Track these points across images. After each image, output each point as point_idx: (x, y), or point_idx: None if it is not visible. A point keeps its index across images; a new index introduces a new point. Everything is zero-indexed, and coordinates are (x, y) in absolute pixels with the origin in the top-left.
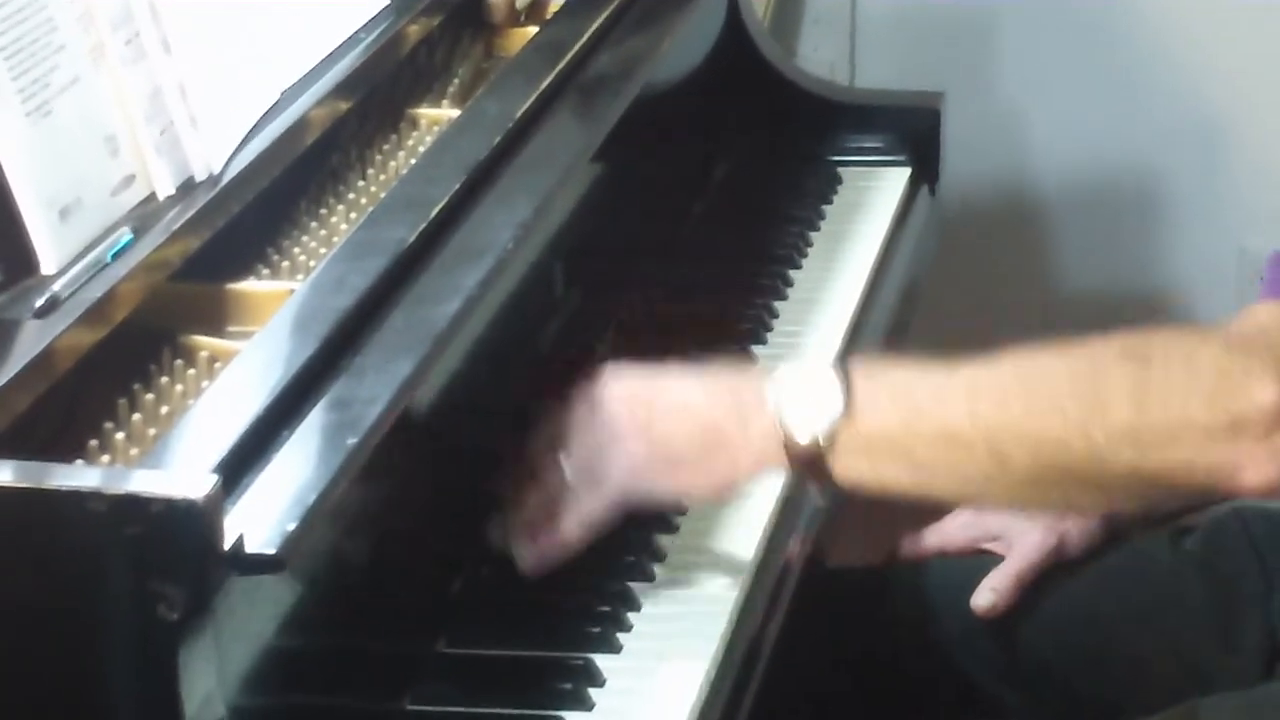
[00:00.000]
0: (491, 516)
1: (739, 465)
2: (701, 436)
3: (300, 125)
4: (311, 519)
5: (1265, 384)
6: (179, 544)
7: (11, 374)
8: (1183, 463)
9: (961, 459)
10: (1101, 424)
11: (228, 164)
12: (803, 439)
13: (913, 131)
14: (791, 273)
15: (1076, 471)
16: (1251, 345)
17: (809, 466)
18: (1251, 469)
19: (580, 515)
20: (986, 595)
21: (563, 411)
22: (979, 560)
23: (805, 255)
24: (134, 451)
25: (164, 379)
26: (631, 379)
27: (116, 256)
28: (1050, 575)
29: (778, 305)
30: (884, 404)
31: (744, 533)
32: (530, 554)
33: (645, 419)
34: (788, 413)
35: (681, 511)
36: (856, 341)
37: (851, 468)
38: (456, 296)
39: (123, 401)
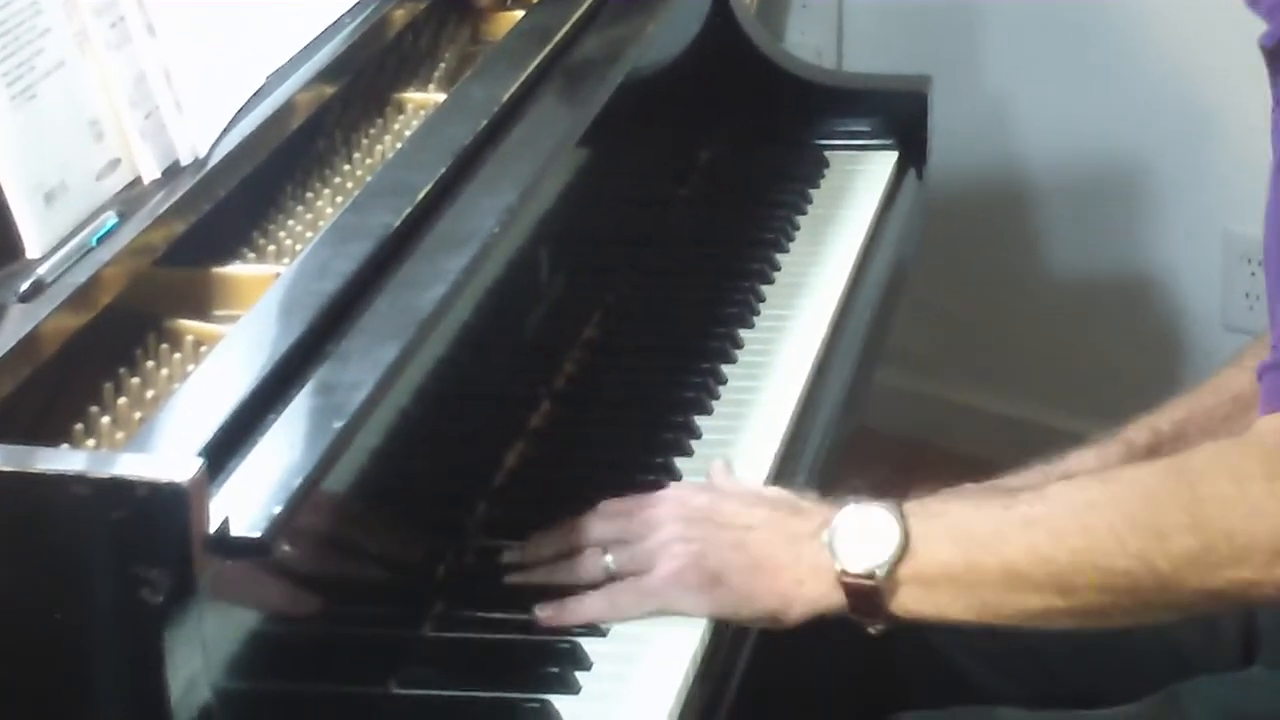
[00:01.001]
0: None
1: (787, 601)
2: (751, 570)
3: (286, 109)
4: (297, 503)
5: None
6: (164, 527)
7: None
8: (1249, 582)
9: (1026, 594)
10: (1164, 553)
11: (213, 148)
12: (858, 573)
13: (900, 115)
14: (778, 256)
15: (1143, 598)
16: None
17: (865, 602)
18: None
19: (615, 607)
20: None
21: (616, 509)
22: None
23: (792, 239)
24: (119, 435)
25: (149, 363)
26: (692, 498)
27: (102, 240)
28: None
29: (764, 289)
30: (943, 541)
31: None
32: (552, 614)
33: (699, 544)
34: (842, 549)
35: None
36: (842, 326)
37: (910, 602)
38: (442, 282)
39: (108, 385)
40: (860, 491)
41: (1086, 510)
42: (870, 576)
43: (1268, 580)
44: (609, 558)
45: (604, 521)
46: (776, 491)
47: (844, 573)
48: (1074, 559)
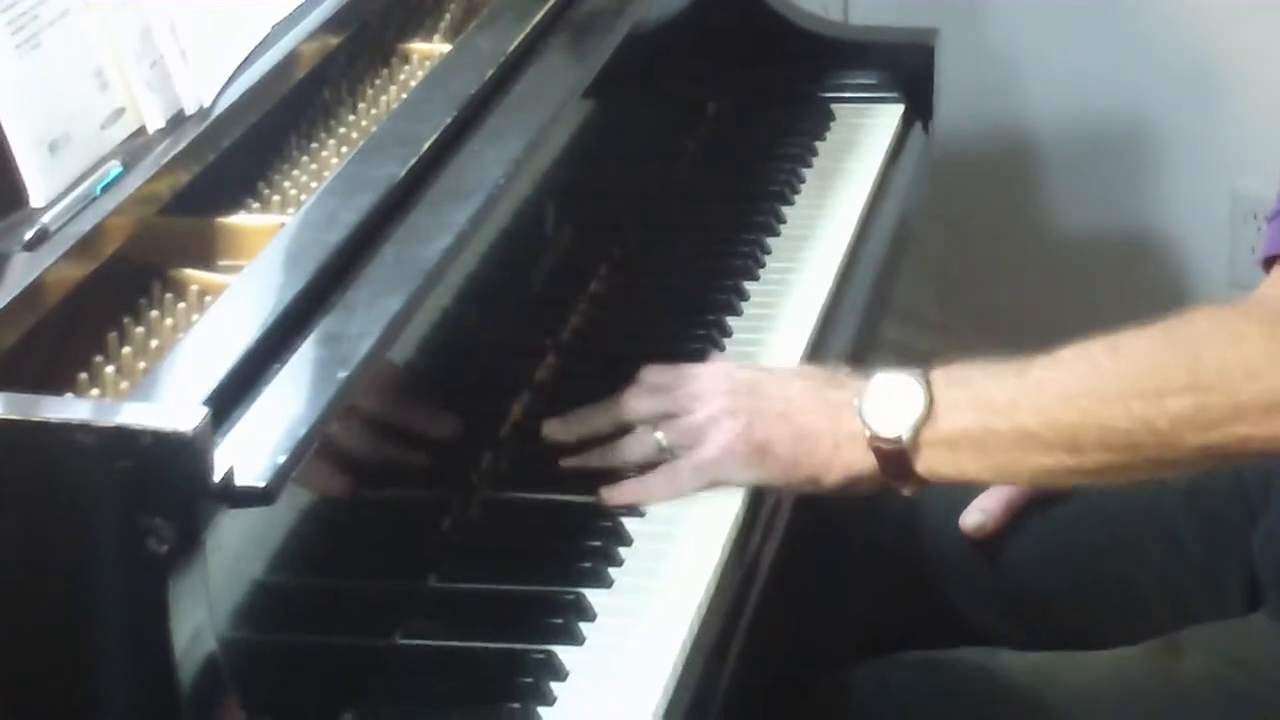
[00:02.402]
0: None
1: (827, 466)
2: (795, 439)
3: (291, 59)
4: (301, 452)
5: None
6: (169, 477)
7: (0, 307)
8: (1243, 437)
9: (1038, 455)
10: (1163, 413)
11: (218, 98)
12: (887, 437)
13: (906, 68)
14: (784, 209)
15: (1147, 456)
16: None
17: (894, 464)
18: None
19: (674, 485)
20: (975, 515)
21: (661, 380)
22: (969, 491)
23: (798, 192)
24: (124, 385)
25: (154, 312)
26: (735, 372)
27: (106, 189)
28: (1040, 506)
29: (770, 242)
30: (963, 406)
31: None
32: (617, 495)
33: (746, 416)
34: (873, 415)
35: None
36: (847, 280)
37: (935, 463)
38: (447, 233)
39: (112, 335)
40: (889, 363)
41: (1096, 375)
42: (897, 440)
43: (1260, 435)
44: (660, 434)
45: (651, 396)
46: (812, 367)
47: (874, 437)
48: (1081, 420)
